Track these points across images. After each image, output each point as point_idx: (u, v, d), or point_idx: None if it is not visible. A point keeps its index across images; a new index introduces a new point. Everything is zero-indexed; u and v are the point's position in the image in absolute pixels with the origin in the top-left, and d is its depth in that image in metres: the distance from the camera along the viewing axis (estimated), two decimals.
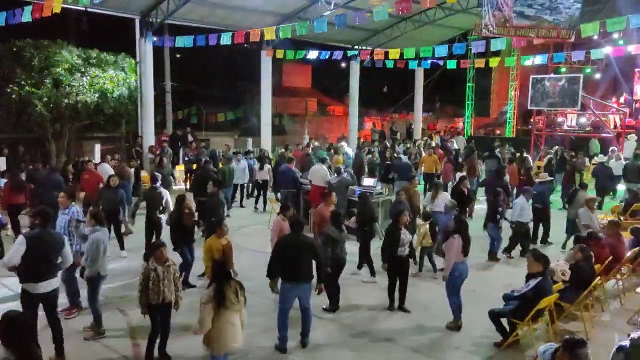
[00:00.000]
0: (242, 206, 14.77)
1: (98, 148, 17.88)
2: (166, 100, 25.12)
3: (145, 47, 18.00)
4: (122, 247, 10.09)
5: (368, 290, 8.58)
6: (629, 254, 8.38)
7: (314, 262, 6.56)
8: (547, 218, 11.29)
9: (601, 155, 17.53)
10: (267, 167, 14.87)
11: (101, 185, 10.97)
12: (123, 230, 10.22)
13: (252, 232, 12.27)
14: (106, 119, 16.91)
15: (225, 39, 16.18)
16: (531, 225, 10.85)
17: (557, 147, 19.29)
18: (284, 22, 19.24)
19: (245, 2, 18.78)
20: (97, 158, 16.47)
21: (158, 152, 16.94)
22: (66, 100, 14.90)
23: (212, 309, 4.99)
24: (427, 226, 9.27)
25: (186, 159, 17.91)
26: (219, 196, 9.99)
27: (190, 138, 20.57)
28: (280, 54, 19.84)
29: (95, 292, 6.64)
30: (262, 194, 14.66)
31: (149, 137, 18.42)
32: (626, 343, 5.59)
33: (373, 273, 9.01)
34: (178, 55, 28.96)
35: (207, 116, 29.10)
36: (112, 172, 12.39)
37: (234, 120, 29.19)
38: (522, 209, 10.29)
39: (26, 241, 5.71)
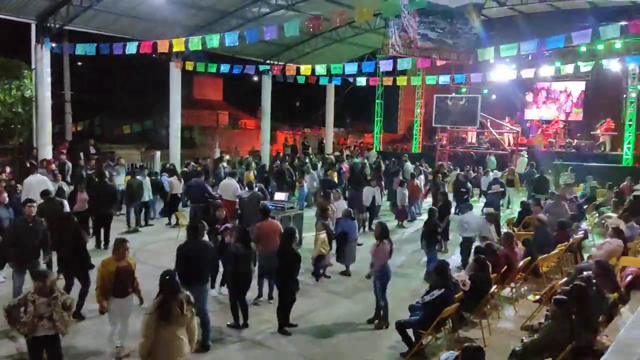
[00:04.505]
0: (147, 224, 14.17)
1: None
2: (65, 110, 23.68)
3: (42, 53, 16.82)
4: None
5: (268, 307, 8.35)
6: (521, 263, 8.97)
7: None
8: (497, 221, 11.76)
9: (495, 171, 18.75)
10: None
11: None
12: None
13: (158, 248, 11.78)
14: None
15: (131, 48, 15.45)
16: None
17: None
18: (194, 33, 18.83)
19: (152, 12, 18.16)
20: None
21: (52, 166, 15.82)
22: None
23: (154, 320, 4.90)
24: (325, 234, 9.82)
25: (88, 171, 16.89)
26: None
27: (92, 150, 19.47)
28: (190, 66, 19.37)
29: None
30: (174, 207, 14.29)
31: (45, 149, 17.21)
32: (519, 348, 5.97)
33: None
34: (79, 64, 27.49)
35: (112, 127, 27.76)
36: (48, 182, 11.43)
37: (140, 132, 28.06)
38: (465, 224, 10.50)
39: None
